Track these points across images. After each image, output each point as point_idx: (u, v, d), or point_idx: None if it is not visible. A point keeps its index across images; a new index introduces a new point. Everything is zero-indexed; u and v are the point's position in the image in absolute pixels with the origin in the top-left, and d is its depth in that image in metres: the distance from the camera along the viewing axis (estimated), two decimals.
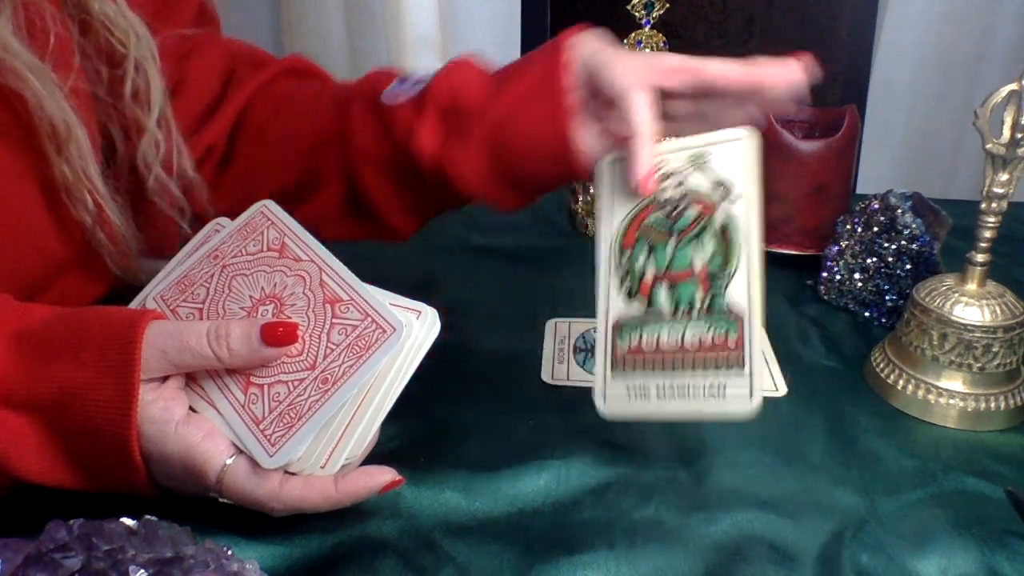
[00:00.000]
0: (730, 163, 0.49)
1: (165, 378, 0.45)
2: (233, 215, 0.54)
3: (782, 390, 0.60)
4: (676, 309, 0.48)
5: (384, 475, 0.46)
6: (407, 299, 0.47)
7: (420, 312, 0.47)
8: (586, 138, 0.54)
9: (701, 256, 0.48)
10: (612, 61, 0.52)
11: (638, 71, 0.51)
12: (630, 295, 0.50)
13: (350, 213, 0.64)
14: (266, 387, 0.45)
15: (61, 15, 0.54)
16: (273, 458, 0.43)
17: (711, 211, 0.49)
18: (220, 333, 0.45)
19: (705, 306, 0.47)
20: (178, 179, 0.60)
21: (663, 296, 0.49)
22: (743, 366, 0.45)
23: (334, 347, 0.45)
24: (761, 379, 0.45)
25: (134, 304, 0.53)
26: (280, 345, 0.45)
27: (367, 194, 0.62)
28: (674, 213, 0.50)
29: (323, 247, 0.49)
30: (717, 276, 0.48)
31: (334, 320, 0.46)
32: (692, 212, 0.49)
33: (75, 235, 0.55)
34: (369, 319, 0.45)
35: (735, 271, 0.47)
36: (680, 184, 0.50)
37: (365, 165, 0.61)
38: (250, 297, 0.48)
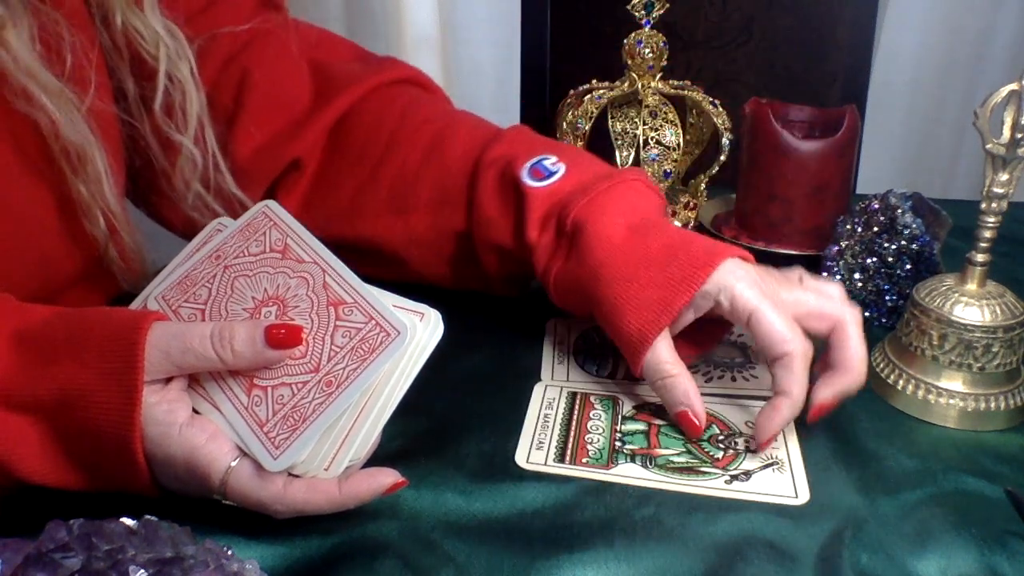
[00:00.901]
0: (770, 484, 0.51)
1: (168, 380, 0.45)
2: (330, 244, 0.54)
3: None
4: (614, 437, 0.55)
5: (388, 477, 0.46)
6: (410, 301, 0.47)
7: (423, 314, 0.47)
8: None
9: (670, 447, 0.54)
10: (770, 317, 0.52)
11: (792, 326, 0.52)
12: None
13: (463, 268, 0.65)
14: (270, 389, 0.45)
15: (84, 31, 0.53)
16: (277, 461, 0.43)
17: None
18: (224, 335, 0.45)
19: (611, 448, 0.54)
20: (215, 195, 0.59)
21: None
22: None
23: (338, 350, 0.45)
24: None
25: (135, 304, 0.52)
26: (284, 347, 0.45)
27: (480, 262, 0.63)
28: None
29: (326, 248, 0.49)
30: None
31: (338, 323, 0.46)
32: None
33: (88, 252, 0.55)
34: (373, 322, 0.45)
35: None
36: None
37: (486, 246, 0.62)
38: (252, 298, 0.48)
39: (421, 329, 0.46)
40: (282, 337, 0.45)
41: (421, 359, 0.46)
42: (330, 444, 0.44)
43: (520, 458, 0.53)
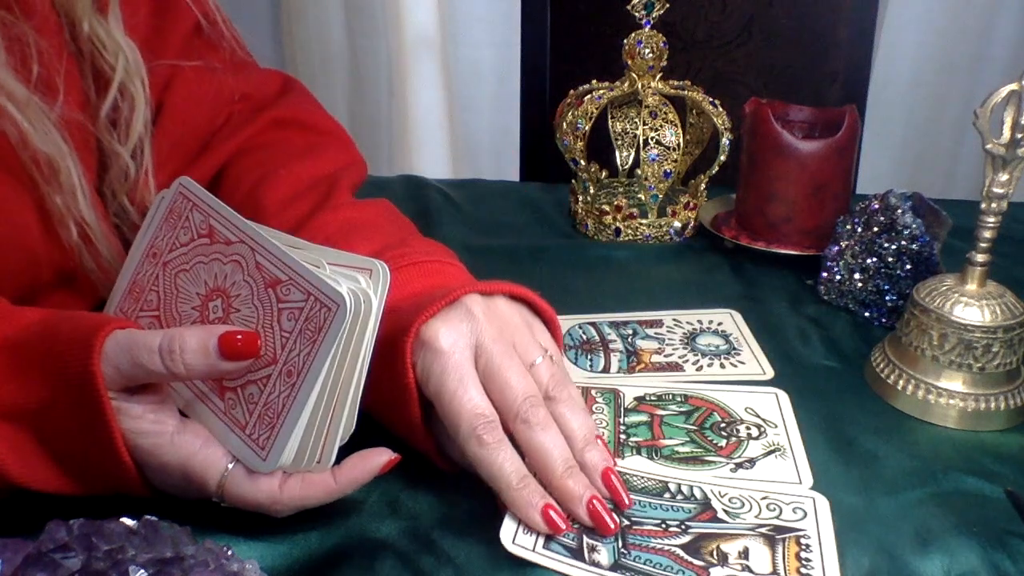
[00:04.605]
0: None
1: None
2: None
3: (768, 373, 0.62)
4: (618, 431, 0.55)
5: (381, 456, 0.46)
6: (348, 254, 0.46)
7: (371, 270, 0.45)
8: None
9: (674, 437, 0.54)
10: None
11: None
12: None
13: None
14: (239, 390, 0.45)
15: (54, 39, 0.54)
16: (267, 461, 0.43)
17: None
18: (173, 348, 0.42)
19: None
20: (138, 209, 0.59)
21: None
22: None
23: (288, 335, 0.44)
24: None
25: (107, 308, 0.52)
26: (239, 359, 0.43)
27: None
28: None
29: (246, 222, 0.47)
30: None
31: (280, 306, 0.45)
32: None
33: (66, 259, 0.55)
34: (312, 298, 0.44)
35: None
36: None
37: None
38: (197, 295, 0.48)
39: (367, 285, 0.45)
40: (237, 347, 0.43)
41: (378, 316, 0.45)
42: (315, 437, 0.44)
43: None
